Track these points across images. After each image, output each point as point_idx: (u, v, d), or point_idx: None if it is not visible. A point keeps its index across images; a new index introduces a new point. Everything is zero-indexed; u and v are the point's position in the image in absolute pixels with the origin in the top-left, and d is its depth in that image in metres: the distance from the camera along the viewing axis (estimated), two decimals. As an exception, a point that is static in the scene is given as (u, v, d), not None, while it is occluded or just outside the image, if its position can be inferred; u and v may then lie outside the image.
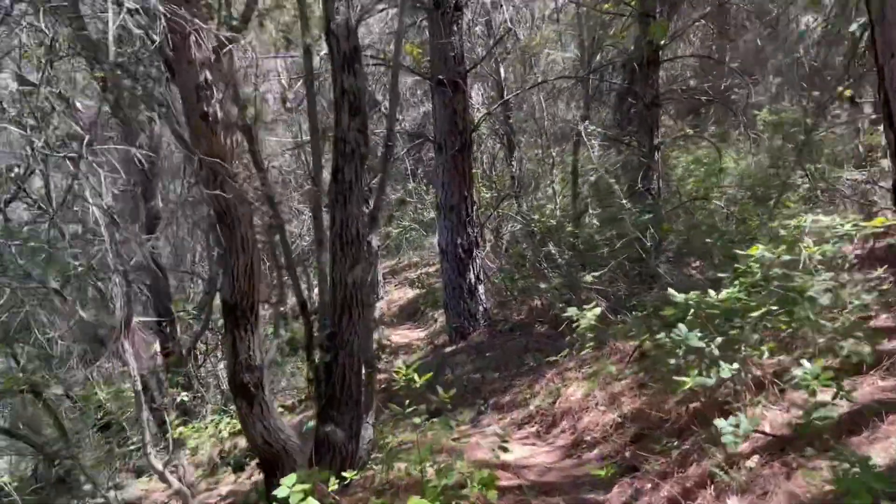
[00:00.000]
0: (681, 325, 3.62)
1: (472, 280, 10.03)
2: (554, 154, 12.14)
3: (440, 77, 9.52)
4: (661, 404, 5.48)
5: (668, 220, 8.19)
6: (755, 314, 3.74)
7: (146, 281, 10.11)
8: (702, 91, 9.79)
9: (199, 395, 9.47)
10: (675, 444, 4.48)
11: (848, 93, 11.05)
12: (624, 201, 8.21)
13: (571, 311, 6.42)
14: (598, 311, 6.35)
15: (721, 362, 3.59)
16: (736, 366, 3.57)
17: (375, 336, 14.71)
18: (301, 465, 4.70)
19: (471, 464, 5.26)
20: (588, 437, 5.91)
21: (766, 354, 3.85)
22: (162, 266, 10.23)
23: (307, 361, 5.17)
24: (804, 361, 3.48)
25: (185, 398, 9.10)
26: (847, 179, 8.01)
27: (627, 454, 5.23)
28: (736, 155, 11.34)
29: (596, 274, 7.19)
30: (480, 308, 10.10)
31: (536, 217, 11.64)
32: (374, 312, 16.21)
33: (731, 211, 8.81)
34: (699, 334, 3.59)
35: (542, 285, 8.28)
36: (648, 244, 8.35)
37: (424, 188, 17.89)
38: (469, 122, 9.92)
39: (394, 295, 18.78)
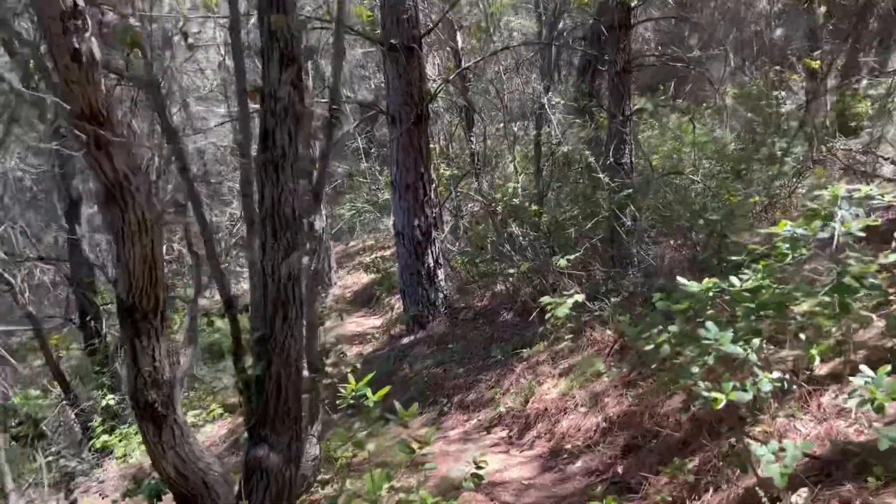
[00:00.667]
0: (710, 325, 2.76)
1: (431, 265, 9.12)
2: (515, 129, 11.26)
3: (392, 42, 8.54)
4: (654, 408, 4.67)
5: (642, 197, 7.38)
6: (802, 307, 2.92)
7: (65, 271, 8.98)
8: (676, 58, 8.98)
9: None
10: (684, 463, 3.65)
11: (815, 64, 10.40)
12: (602, 175, 7.35)
13: (546, 300, 5.56)
14: (579, 297, 5.50)
15: (758, 370, 2.75)
16: (777, 375, 2.74)
17: (328, 328, 13.74)
18: (225, 501, 3.77)
19: (435, 489, 4.38)
20: (569, 445, 5.07)
21: (818, 360, 3.04)
22: (84, 253, 9.09)
23: (236, 371, 4.22)
24: (864, 367, 2.67)
25: (112, 401, 8.04)
26: (841, 148, 7.30)
27: (620, 469, 4.39)
28: (703, 128, 10.63)
29: (571, 257, 6.32)
30: (440, 295, 9.20)
31: (498, 196, 10.76)
32: (323, 305, 15.24)
33: (709, 186, 8.04)
34: (730, 334, 2.74)
35: (510, 270, 7.39)
36: (624, 223, 7.54)
37: (378, 168, 16.87)
38: (426, 94, 8.96)
39: (347, 280, 17.77)
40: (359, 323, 13.86)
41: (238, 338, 4.21)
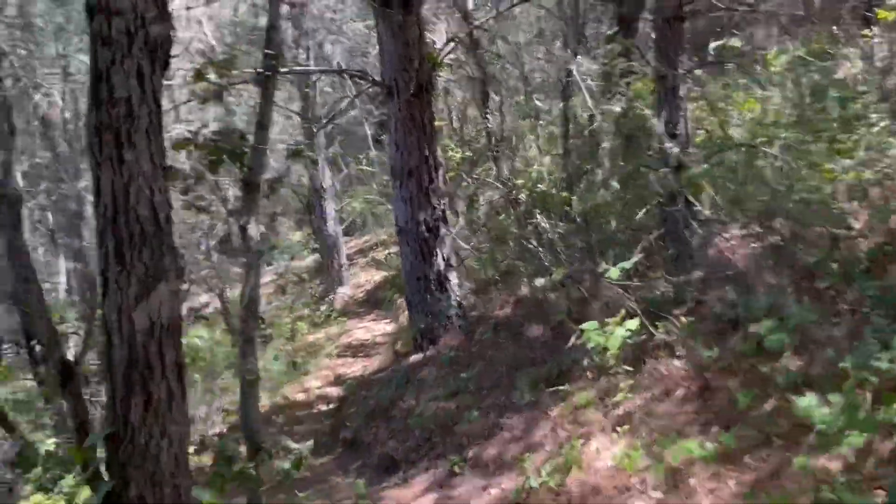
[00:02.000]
0: None
1: (441, 267, 7.32)
2: (538, 103, 9.40)
3: (384, -7, 6.74)
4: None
5: (712, 175, 5.50)
6: None
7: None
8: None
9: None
10: None
11: (890, 16, 8.39)
12: (669, 145, 5.47)
13: (589, 330, 3.75)
14: (634, 323, 3.68)
15: None
16: None
17: (334, 335, 12.02)
18: None
19: None
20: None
21: None
22: (30, 267, 7.42)
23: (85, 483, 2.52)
24: None
25: (52, 445, 6.35)
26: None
27: None
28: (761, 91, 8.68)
29: (626, 265, 4.41)
30: (453, 303, 7.40)
31: (520, 182, 8.93)
32: (332, 309, 13.51)
33: (790, 160, 6.12)
34: None
35: (540, 281, 5.49)
36: (681, 210, 5.69)
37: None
38: (428, 58, 7.13)
39: (360, 278, 16.03)
40: (368, 328, 12.13)
41: (84, 430, 2.47)
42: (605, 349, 3.86)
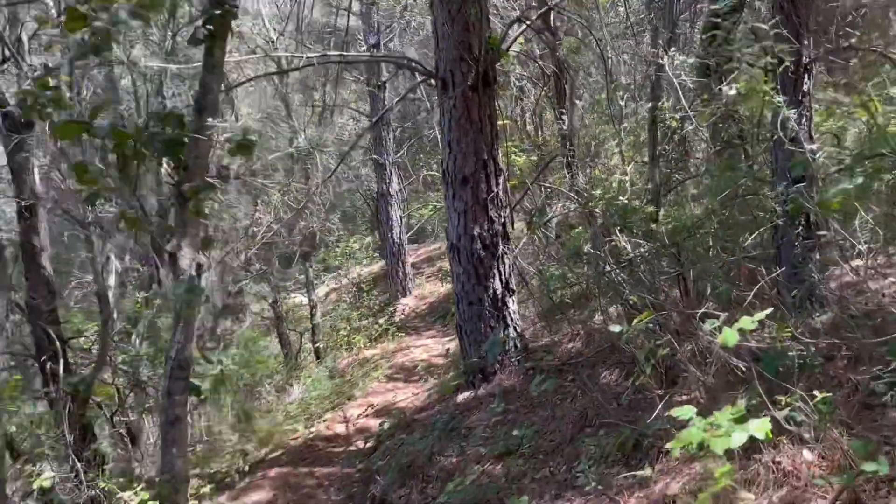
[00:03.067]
0: None
1: (499, 290, 6.14)
2: (622, 102, 8.08)
3: (439, -34, 5.62)
4: None
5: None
6: None
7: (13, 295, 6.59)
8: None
9: (81, 473, 5.88)
10: None
11: None
12: (808, 148, 4.12)
13: (685, 429, 2.49)
14: (762, 426, 2.40)
15: None
16: None
17: (390, 352, 10.98)
18: None
19: None
20: None
21: None
22: (45, 269, 6.67)
23: None
24: None
25: (47, 482, 5.52)
26: None
27: None
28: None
29: (748, 324, 3.04)
30: (511, 333, 6.21)
31: (598, 193, 7.65)
32: (392, 321, 12.42)
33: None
34: None
35: (617, 328, 4.13)
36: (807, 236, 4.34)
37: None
38: (491, 43, 5.97)
39: (425, 289, 14.97)
40: (426, 347, 11.02)
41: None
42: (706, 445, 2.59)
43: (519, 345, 6.22)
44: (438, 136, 13.29)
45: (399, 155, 15.17)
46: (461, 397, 6.18)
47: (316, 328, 12.05)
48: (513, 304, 6.23)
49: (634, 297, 5.95)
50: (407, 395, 8.21)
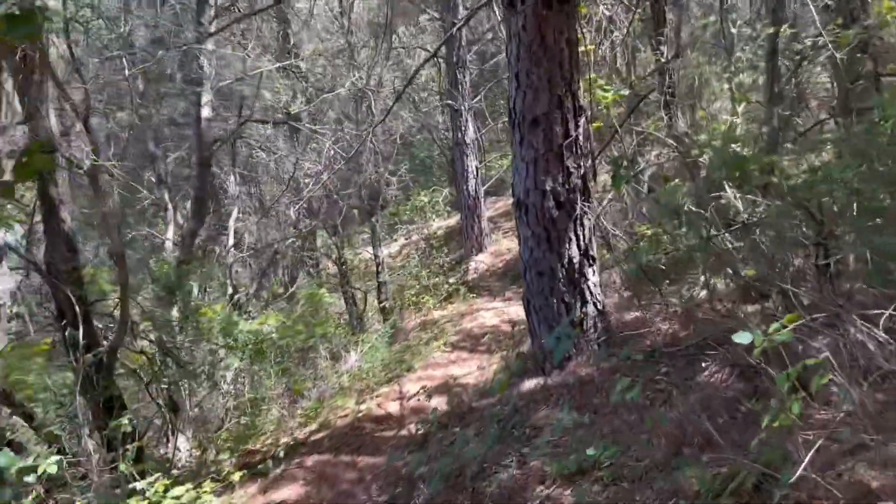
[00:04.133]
0: None
1: (576, 258, 4.95)
2: (734, 28, 6.63)
3: None
4: None
5: None
6: None
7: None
8: None
9: (93, 456, 5.17)
10: None
11: None
12: None
13: None
14: None
15: None
16: None
17: (453, 316, 9.99)
18: None
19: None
20: None
21: None
22: (64, 223, 5.94)
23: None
24: None
25: (53, 467, 4.81)
26: None
27: None
28: None
29: None
30: (591, 311, 5.03)
31: (703, 139, 6.29)
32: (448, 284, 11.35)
33: None
34: None
35: (745, 336, 2.87)
36: None
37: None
38: (570, -53, 4.66)
39: (502, 245, 13.77)
40: (498, 311, 9.95)
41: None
42: None
43: (600, 325, 5.04)
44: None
45: (476, 100, 13.92)
46: (527, 385, 5.08)
47: (382, 286, 11.18)
48: (593, 276, 5.03)
49: (751, 271, 4.68)
50: (470, 370, 7.20)
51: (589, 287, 5.02)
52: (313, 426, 6.53)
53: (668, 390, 4.20)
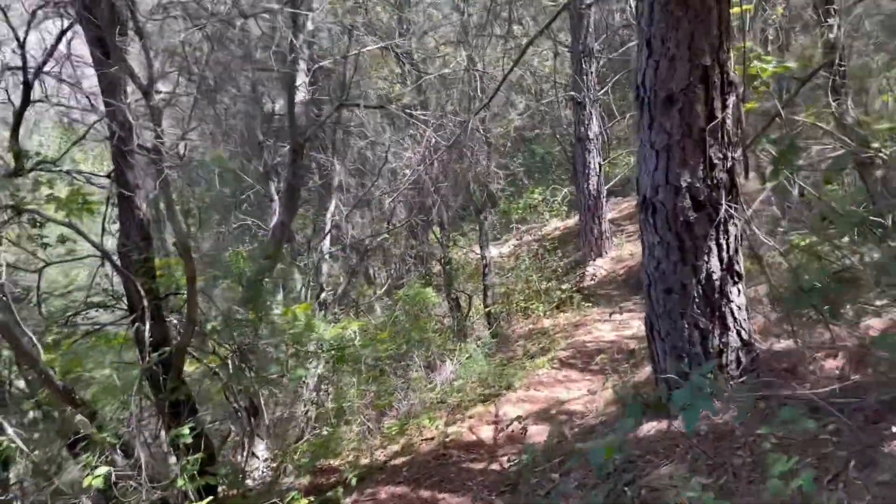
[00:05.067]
0: None
1: (716, 274, 3.87)
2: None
3: None
4: None
5: None
6: None
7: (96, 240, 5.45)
8: None
9: (144, 466, 4.64)
10: None
11: None
12: None
13: None
14: None
15: None
16: None
17: (565, 326, 8.99)
18: None
19: None
20: None
21: None
22: (139, 210, 5.49)
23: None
24: None
25: (98, 480, 4.31)
26: None
27: None
28: None
29: None
30: (733, 340, 3.93)
31: (881, 129, 4.99)
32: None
33: None
34: None
35: None
36: None
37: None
38: None
39: (624, 250, 12.53)
40: (616, 325, 8.84)
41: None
42: None
43: (744, 359, 3.94)
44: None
45: (602, 92, 12.76)
46: (646, 428, 4.06)
47: (489, 289, 10.33)
48: (738, 297, 3.93)
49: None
50: (579, 393, 6.21)
51: (732, 311, 3.93)
52: (396, 447, 5.77)
53: (839, 458, 3.08)
